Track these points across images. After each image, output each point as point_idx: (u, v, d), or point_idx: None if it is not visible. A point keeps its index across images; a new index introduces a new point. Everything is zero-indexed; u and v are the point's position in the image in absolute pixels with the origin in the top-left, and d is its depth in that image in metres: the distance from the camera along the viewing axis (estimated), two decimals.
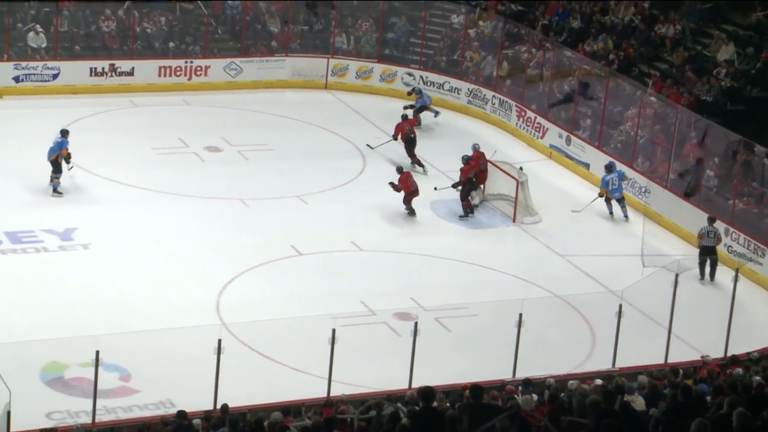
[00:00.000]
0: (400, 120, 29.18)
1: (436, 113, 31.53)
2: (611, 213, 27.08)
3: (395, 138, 28.91)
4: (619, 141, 29.48)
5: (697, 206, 26.54)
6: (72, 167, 25.68)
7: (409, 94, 31.93)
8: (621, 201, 27.11)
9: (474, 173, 26.81)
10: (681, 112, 28.32)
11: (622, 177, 27.14)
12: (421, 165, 28.56)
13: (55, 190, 25.49)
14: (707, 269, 24.46)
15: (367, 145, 29.36)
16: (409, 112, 30.36)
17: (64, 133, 25.77)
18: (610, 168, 27.20)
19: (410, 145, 28.79)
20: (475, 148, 27.38)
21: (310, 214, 26.13)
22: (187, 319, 20.46)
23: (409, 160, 28.48)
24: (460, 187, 26.78)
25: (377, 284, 23.38)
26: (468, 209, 26.59)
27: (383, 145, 29.09)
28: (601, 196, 27.20)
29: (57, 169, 25.49)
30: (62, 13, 32.50)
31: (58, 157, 25.44)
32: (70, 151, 25.56)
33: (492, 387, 17.58)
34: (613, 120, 30.06)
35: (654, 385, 17.07)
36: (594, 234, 26.21)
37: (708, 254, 24.50)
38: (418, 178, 26.78)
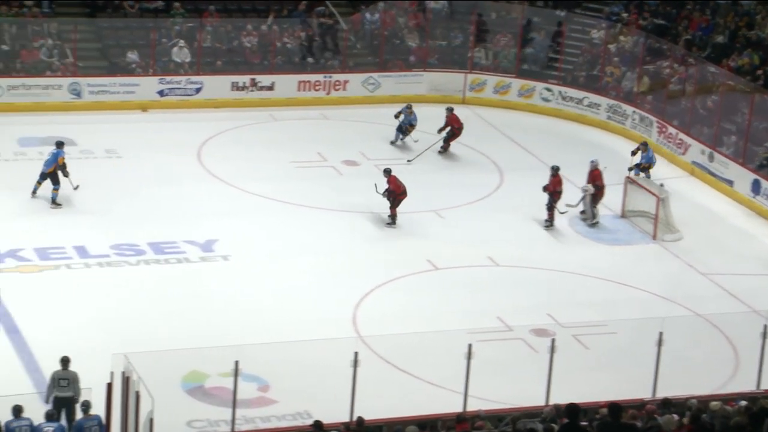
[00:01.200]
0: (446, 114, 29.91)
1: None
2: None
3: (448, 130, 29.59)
4: (764, 158, 28.78)
5: None
6: (77, 187, 25.52)
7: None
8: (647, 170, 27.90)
9: (560, 187, 26.39)
10: None
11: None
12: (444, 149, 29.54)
13: (53, 201, 25.33)
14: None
15: (408, 161, 29.13)
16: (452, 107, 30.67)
17: (59, 144, 25.71)
18: (645, 146, 28.46)
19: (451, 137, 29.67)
20: (594, 165, 26.96)
21: (446, 228, 26.09)
22: (324, 332, 20.56)
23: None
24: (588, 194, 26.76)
25: (514, 300, 23.21)
26: (550, 220, 26.34)
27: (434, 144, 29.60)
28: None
29: (55, 181, 25.30)
30: (205, 28, 33.14)
31: (56, 168, 25.28)
32: (65, 161, 25.44)
33: (631, 406, 17.26)
34: (757, 136, 29.38)
35: None
36: (738, 252, 25.61)
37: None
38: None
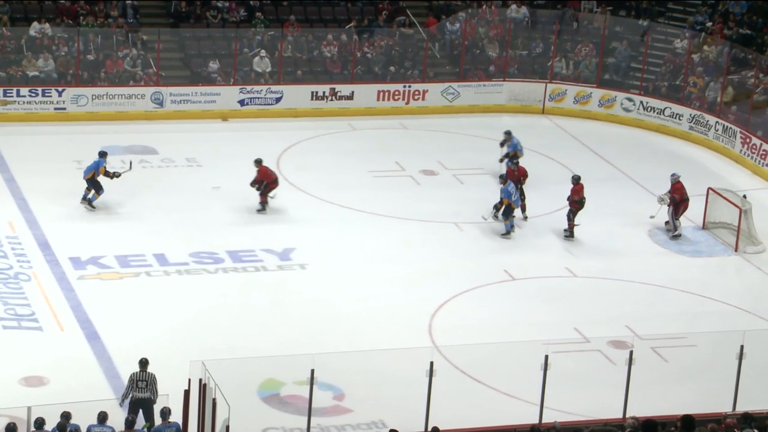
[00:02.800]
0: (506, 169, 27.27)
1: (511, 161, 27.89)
2: (509, 231, 25.79)
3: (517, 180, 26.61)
4: None
5: None
6: (127, 169, 25.97)
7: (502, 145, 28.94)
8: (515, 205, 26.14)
9: (578, 197, 25.99)
10: None
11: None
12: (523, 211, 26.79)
13: (85, 199, 25.66)
14: None
15: (483, 217, 26.59)
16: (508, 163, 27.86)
17: (102, 154, 25.91)
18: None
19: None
20: (675, 179, 26.55)
21: (523, 239, 25.95)
22: (400, 341, 20.57)
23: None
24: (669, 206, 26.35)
25: (591, 311, 23.02)
26: (569, 230, 25.99)
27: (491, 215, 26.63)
28: (499, 208, 26.29)
29: (94, 186, 25.62)
30: (286, 38, 33.37)
31: (95, 174, 25.57)
32: (109, 169, 25.74)
33: (710, 420, 17.01)
34: None
35: None
36: None
37: None
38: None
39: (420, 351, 18.92)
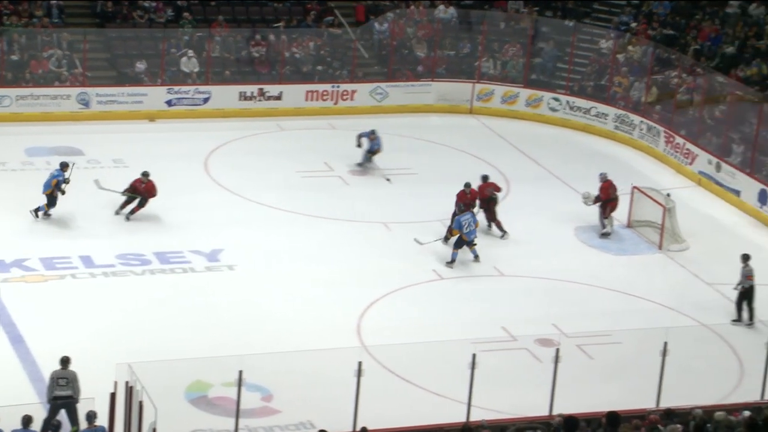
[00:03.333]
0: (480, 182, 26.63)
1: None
2: (453, 260, 24.61)
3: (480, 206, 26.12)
4: None
5: None
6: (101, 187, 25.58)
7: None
8: (473, 244, 24.76)
9: (486, 198, 26.21)
10: None
11: (475, 221, 24.78)
12: (502, 229, 26.22)
13: (35, 210, 24.91)
14: (745, 312, 23.16)
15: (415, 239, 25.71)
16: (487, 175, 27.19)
17: (63, 165, 25.18)
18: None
19: (491, 205, 26.39)
20: (603, 178, 26.85)
21: (452, 238, 26.05)
22: (328, 341, 20.58)
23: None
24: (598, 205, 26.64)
25: (519, 310, 23.21)
26: (498, 228, 26.20)
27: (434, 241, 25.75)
28: (449, 237, 25.14)
29: (50, 202, 24.86)
30: (214, 38, 33.23)
31: (53, 190, 24.79)
32: (65, 181, 24.90)
33: (635, 416, 17.24)
34: (765, 146, 29.31)
35: None
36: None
37: (747, 295, 23.08)
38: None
39: (348, 351, 18.97)
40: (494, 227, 26.28)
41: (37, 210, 25.17)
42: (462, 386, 18.42)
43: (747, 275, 23.08)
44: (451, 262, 24.65)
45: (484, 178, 26.63)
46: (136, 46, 32.87)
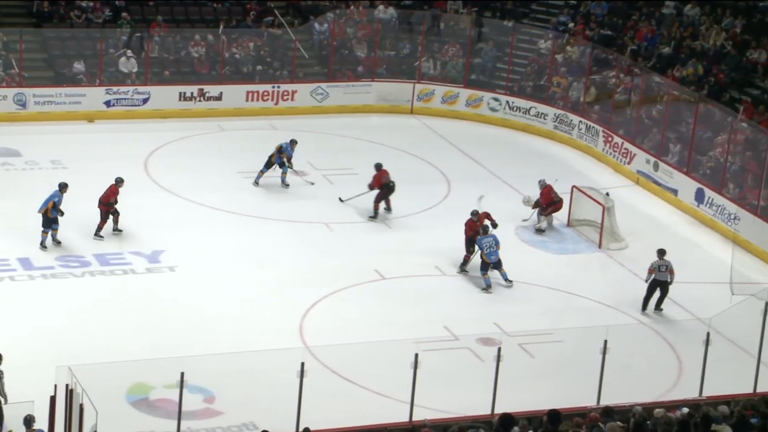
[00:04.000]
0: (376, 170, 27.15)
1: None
2: (488, 285, 24.11)
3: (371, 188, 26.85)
4: (708, 167, 29.09)
5: None
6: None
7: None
8: (499, 266, 24.24)
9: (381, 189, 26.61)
10: None
11: (497, 242, 24.29)
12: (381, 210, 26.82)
13: (41, 244, 24.06)
14: (653, 301, 23.71)
15: (339, 198, 27.07)
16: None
17: (62, 186, 24.36)
18: (486, 230, 24.55)
19: (387, 192, 27.00)
20: (542, 184, 27.03)
21: (394, 238, 26.15)
22: (271, 342, 20.51)
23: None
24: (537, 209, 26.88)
25: (460, 309, 23.30)
26: (376, 211, 26.63)
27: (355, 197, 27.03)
28: (468, 257, 24.63)
29: (45, 223, 23.99)
30: (153, 38, 33.02)
31: (48, 211, 23.97)
32: (61, 208, 24.10)
33: (575, 414, 17.38)
34: (701, 146, 29.70)
35: (743, 414, 16.78)
36: (682, 261, 25.72)
37: (660, 287, 23.64)
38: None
39: (291, 352, 18.94)
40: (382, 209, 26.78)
41: (42, 242, 24.13)
42: (405, 386, 18.46)
43: (658, 268, 23.52)
44: (486, 288, 24.07)
45: (378, 166, 26.82)
46: (73, 47, 32.59)
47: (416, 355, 18.23)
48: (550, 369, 21.21)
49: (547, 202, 26.89)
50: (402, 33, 35.36)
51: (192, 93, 32.49)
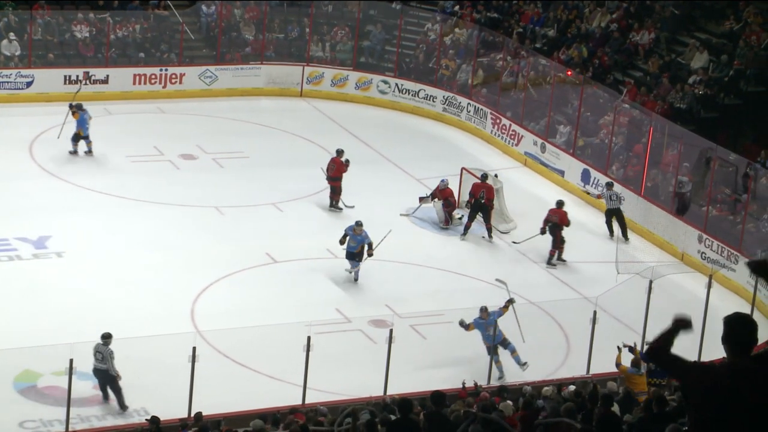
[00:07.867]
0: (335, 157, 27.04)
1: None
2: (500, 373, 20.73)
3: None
4: (591, 148, 29.60)
5: (671, 213, 26.69)
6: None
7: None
8: (506, 345, 20.59)
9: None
10: (655, 119, 28.46)
11: (498, 315, 20.66)
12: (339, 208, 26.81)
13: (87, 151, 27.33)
14: (616, 229, 26.20)
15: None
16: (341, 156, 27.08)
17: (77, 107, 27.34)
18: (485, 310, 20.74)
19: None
20: (444, 185, 26.94)
21: (284, 221, 26.12)
22: (162, 327, 20.34)
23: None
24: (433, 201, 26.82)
25: (352, 292, 23.38)
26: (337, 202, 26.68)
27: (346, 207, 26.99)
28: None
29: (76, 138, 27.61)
30: (36, 20, 32.40)
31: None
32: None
33: (469, 394, 17.60)
34: (587, 127, 30.19)
35: (629, 391, 17.15)
36: (569, 241, 26.24)
37: (615, 215, 26.26)
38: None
39: (182, 337, 18.82)
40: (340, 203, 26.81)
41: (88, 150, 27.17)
42: (298, 369, 18.51)
43: (608, 198, 26.33)
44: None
45: (339, 152, 26.79)
46: None
47: (309, 338, 18.30)
48: (442, 349, 21.41)
49: (446, 196, 26.84)
50: (290, 15, 35.23)
51: (77, 76, 31.94)
